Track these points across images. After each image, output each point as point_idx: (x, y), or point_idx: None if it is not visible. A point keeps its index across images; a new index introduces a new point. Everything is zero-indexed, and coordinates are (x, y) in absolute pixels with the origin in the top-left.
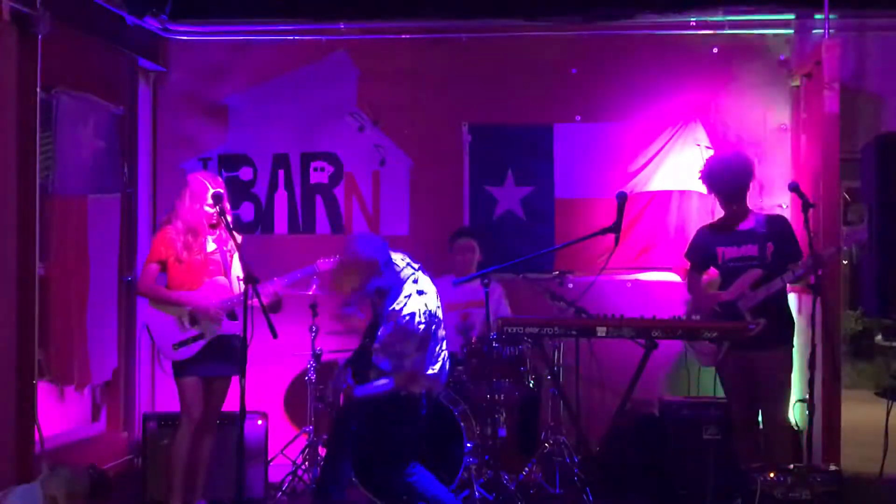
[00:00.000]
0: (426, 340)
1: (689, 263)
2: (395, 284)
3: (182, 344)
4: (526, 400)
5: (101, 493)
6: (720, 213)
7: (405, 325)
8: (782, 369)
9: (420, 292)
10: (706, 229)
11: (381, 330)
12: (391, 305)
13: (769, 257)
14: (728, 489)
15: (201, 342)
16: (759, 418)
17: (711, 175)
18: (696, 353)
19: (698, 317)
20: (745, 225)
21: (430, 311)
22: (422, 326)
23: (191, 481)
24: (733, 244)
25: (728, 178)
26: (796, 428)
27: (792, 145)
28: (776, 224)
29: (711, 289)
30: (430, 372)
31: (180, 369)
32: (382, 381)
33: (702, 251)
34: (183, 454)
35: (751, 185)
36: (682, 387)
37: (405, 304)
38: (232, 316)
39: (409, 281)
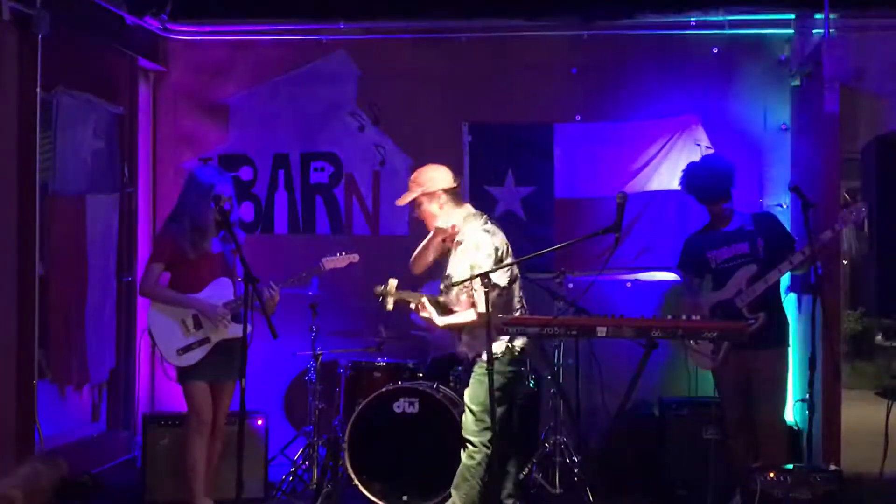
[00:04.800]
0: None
1: (684, 273)
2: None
3: (188, 349)
4: (526, 400)
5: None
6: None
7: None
8: (778, 369)
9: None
10: (694, 237)
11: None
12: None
13: (761, 252)
14: (727, 489)
15: (207, 346)
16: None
17: (690, 180)
18: (695, 359)
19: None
20: (732, 226)
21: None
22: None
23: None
24: (723, 245)
25: (706, 181)
26: (796, 428)
27: (792, 145)
28: (763, 220)
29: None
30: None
31: (186, 375)
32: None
33: (694, 259)
34: (201, 461)
35: (731, 186)
36: (682, 387)
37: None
38: (238, 318)
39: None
